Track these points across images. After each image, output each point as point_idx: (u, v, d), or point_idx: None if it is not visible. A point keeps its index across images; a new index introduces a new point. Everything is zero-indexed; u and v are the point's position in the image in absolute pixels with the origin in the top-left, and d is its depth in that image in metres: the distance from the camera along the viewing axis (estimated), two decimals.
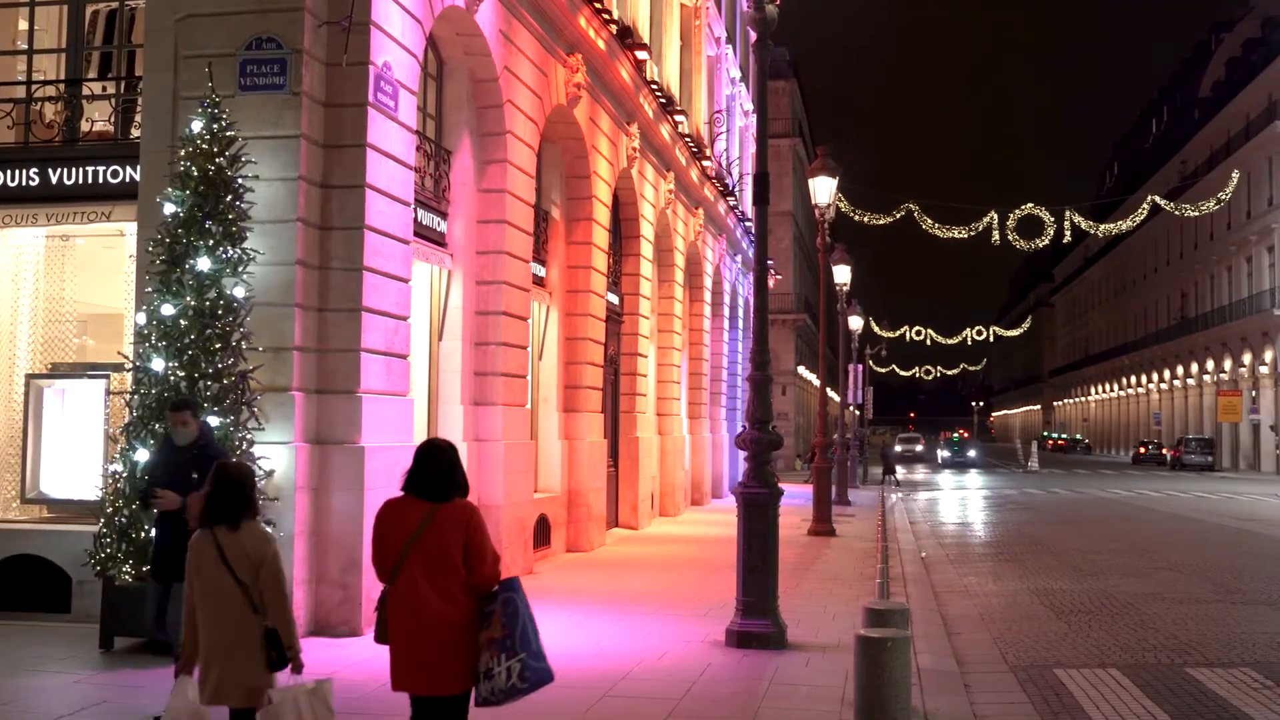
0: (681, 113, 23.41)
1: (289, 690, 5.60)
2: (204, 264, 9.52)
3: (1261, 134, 57.10)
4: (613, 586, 13.91)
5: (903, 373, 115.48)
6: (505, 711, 5.66)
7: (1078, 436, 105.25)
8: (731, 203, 31.02)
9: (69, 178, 11.62)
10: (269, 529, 6.71)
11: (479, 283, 14.27)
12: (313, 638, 9.86)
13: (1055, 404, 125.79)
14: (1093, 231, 56.84)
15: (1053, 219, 45.87)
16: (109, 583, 9.55)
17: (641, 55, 19.57)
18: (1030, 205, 45.33)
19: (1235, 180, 54.75)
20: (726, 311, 32.96)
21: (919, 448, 78.26)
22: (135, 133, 11.44)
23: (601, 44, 17.60)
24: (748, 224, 32.93)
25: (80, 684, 8.55)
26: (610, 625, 11.12)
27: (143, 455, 9.26)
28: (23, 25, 12.83)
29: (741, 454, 10.84)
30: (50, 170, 11.63)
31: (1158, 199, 51.42)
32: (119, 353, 10.81)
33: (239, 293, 9.68)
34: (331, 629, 10.21)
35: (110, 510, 9.60)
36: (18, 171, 11.67)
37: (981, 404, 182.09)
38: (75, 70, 12.06)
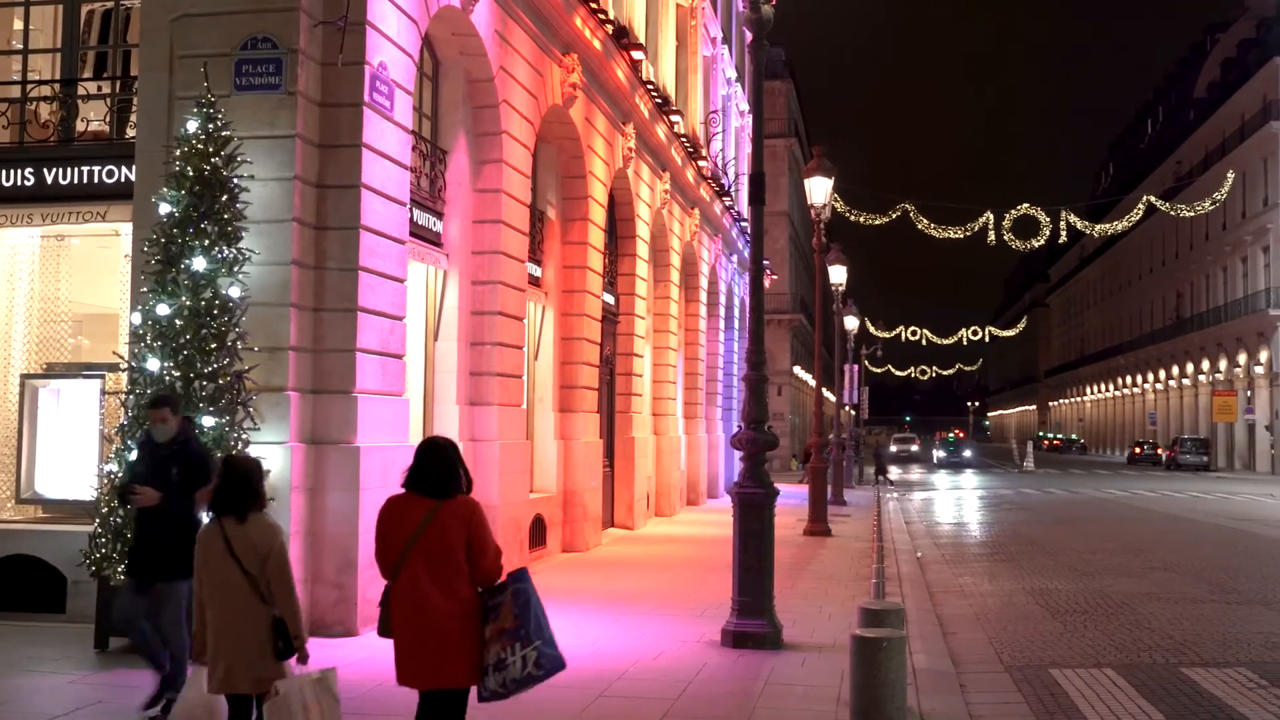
0: (677, 113, 23.41)
1: (295, 681, 5.67)
2: (199, 264, 9.50)
3: (1257, 134, 57.25)
4: (608, 586, 13.91)
5: (898, 373, 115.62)
6: (501, 711, 5.67)
7: (1073, 437, 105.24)
8: (727, 203, 31.03)
9: (64, 177, 11.59)
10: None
11: (474, 283, 14.26)
12: (308, 638, 9.80)
13: (1051, 404, 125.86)
14: (1088, 232, 56.90)
15: (1048, 219, 45.99)
16: (104, 583, 9.53)
17: (637, 55, 19.56)
18: (1026, 205, 45.45)
19: (1230, 180, 54.82)
20: (722, 311, 32.96)
21: (914, 448, 78.49)
22: (130, 132, 11.42)
23: (597, 44, 17.60)
24: (743, 224, 32.95)
25: (75, 684, 8.53)
26: (606, 625, 11.11)
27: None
28: (18, 25, 12.81)
29: (737, 454, 10.84)
30: (45, 170, 11.61)
31: (1153, 199, 51.57)
32: (114, 353, 10.76)
33: (234, 293, 9.66)
34: (327, 629, 10.19)
35: (105, 510, 9.56)
36: (13, 171, 11.65)
37: (977, 404, 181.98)
38: (70, 70, 12.05)
